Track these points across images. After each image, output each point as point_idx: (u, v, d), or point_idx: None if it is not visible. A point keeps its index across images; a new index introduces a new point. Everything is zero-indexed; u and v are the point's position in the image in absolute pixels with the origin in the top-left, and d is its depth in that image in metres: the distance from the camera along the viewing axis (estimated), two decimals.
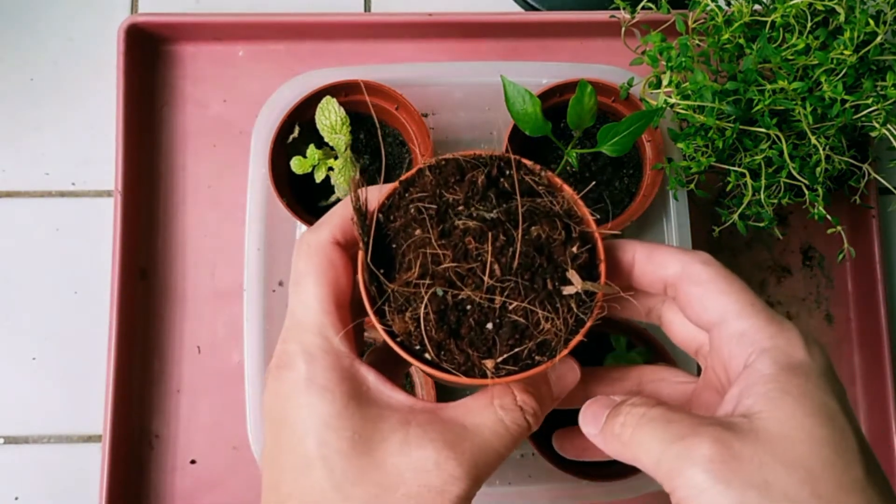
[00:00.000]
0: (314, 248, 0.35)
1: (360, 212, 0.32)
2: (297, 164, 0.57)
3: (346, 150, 0.57)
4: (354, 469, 0.31)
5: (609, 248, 0.35)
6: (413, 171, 0.34)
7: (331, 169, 0.58)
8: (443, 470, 0.31)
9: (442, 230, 0.31)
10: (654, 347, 0.59)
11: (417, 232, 0.32)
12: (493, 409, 0.33)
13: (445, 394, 0.60)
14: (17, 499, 0.63)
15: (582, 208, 0.33)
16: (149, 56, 0.67)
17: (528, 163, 0.34)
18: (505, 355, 0.30)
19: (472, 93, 0.64)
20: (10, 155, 0.67)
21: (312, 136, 0.58)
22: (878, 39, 0.51)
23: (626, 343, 0.59)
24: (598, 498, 0.58)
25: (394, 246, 0.33)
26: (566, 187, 0.34)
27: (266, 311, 0.60)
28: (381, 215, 0.33)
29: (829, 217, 0.55)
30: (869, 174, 0.57)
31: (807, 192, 0.55)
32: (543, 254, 0.31)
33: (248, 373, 0.58)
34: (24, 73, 0.68)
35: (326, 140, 0.57)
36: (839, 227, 0.55)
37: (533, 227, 0.32)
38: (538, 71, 0.63)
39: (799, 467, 0.28)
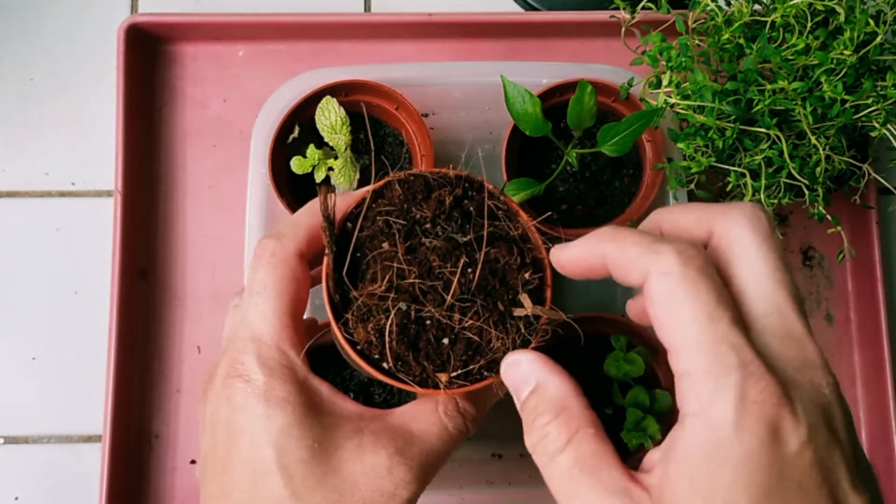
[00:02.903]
0: (279, 259, 0.35)
1: (329, 220, 0.33)
2: (297, 164, 0.57)
3: (346, 150, 0.57)
4: (314, 476, 0.32)
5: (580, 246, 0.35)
6: (382, 182, 0.35)
7: (331, 169, 0.58)
8: (394, 475, 0.33)
9: (409, 245, 0.33)
10: (653, 347, 0.59)
11: (385, 245, 0.33)
12: (437, 416, 0.35)
13: None
14: (17, 499, 0.63)
15: (535, 235, 0.35)
16: (149, 56, 0.67)
17: (490, 186, 0.36)
18: (459, 371, 0.32)
19: (472, 93, 0.64)
20: (10, 155, 0.67)
21: (312, 136, 0.58)
22: (878, 39, 0.51)
23: (626, 343, 0.59)
24: None
25: (358, 255, 0.33)
26: (522, 213, 0.36)
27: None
28: (348, 224, 0.34)
29: (829, 217, 0.55)
30: (869, 174, 0.57)
31: (807, 192, 0.55)
32: (498, 276, 0.33)
33: None
34: (24, 73, 0.68)
35: (326, 140, 0.57)
36: (839, 227, 0.55)
37: (493, 251, 0.34)
38: (538, 71, 0.63)
39: None
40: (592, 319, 0.60)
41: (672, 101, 0.54)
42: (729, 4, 0.55)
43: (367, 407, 0.35)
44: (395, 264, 0.32)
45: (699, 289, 0.27)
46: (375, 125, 0.62)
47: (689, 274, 0.28)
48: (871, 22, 0.50)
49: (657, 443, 0.57)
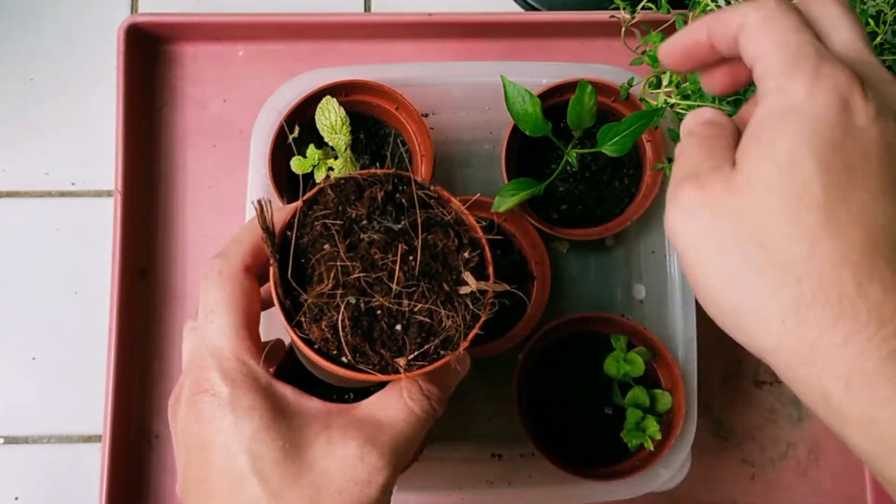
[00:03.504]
0: (226, 276, 0.37)
1: (269, 231, 0.34)
2: (297, 164, 0.57)
3: (346, 150, 0.57)
4: (289, 475, 0.33)
5: (685, 33, 0.35)
6: (314, 190, 0.36)
7: (331, 169, 0.58)
8: (367, 462, 0.34)
9: (349, 243, 0.34)
10: (653, 347, 0.59)
11: (326, 246, 0.34)
12: (403, 401, 0.37)
13: None
14: (17, 499, 0.63)
15: (469, 217, 0.37)
16: (149, 56, 0.67)
17: (419, 178, 0.37)
18: (415, 353, 0.33)
19: (472, 93, 0.64)
20: (10, 155, 0.67)
21: (312, 136, 0.58)
22: (878, 39, 0.51)
23: (626, 343, 0.59)
24: (598, 498, 0.59)
25: (302, 261, 0.35)
26: (453, 199, 0.37)
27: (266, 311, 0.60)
28: (288, 233, 0.35)
29: None
30: None
31: None
32: (439, 260, 0.35)
33: None
34: (24, 73, 0.68)
35: (326, 140, 0.57)
36: None
37: (429, 237, 0.35)
38: (538, 71, 0.63)
39: (747, 219, 0.28)
40: (592, 319, 0.60)
41: (672, 101, 0.54)
42: (729, 4, 0.55)
43: (333, 404, 0.37)
44: (338, 263, 0.34)
45: (788, 15, 0.30)
46: (375, 125, 0.62)
47: (782, 7, 0.30)
48: (871, 22, 0.50)
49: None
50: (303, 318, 0.34)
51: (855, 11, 0.32)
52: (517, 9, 0.70)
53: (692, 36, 0.33)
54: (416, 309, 0.33)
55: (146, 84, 0.67)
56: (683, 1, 0.57)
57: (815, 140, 0.27)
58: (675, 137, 0.57)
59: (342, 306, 0.33)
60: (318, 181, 0.58)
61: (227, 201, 0.66)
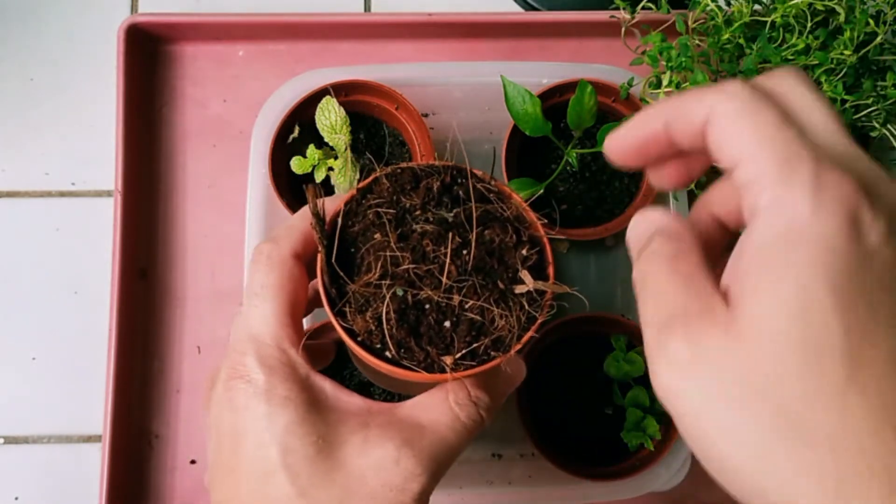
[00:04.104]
0: (275, 260, 0.35)
1: (319, 216, 0.33)
2: (297, 164, 0.57)
3: (346, 150, 0.57)
4: (320, 473, 0.32)
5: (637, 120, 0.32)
6: (370, 178, 0.35)
7: (331, 169, 0.58)
8: (402, 467, 0.32)
9: (400, 233, 0.33)
10: None
11: (377, 236, 0.33)
12: (448, 405, 0.34)
13: None
14: (17, 499, 0.63)
15: (530, 214, 0.35)
16: (149, 56, 0.67)
17: (479, 172, 0.36)
18: (463, 351, 0.31)
19: (472, 93, 0.64)
20: (10, 155, 0.67)
21: (312, 136, 0.58)
22: (878, 39, 0.51)
23: (626, 343, 0.59)
24: (598, 498, 0.59)
25: (352, 250, 0.34)
26: (515, 195, 0.35)
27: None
28: (339, 220, 0.34)
29: None
30: None
31: None
32: (495, 256, 0.33)
33: None
34: (24, 73, 0.68)
35: (326, 140, 0.57)
36: None
37: (486, 231, 0.33)
38: (538, 71, 0.63)
39: (758, 378, 0.23)
40: (592, 319, 0.60)
41: None
42: (729, 4, 0.55)
43: (374, 401, 0.35)
44: (387, 252, 0.32)
45: (766, 106, 0.26)
46: (375, 125, 0.62)
47: (756, 95, 0.26)
48: (871, 22, 0.50)
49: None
50: (347, 308, 0.32)
51: (825, 95, 0.28)
52: (517, 9, 0.70)
53: (647, 128, 0.29)
54: (466, 305, 0.32)
55: (146, 84, 0.67)
56: (683, 1, 0.57)
57: (829, 273, 0.23)
58: None
59: (388, 297, 0.31)
60: (318, 181, 0.58)
61: (227, 201, 0.66)
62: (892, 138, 0.53)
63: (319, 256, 0.33)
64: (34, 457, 0.63)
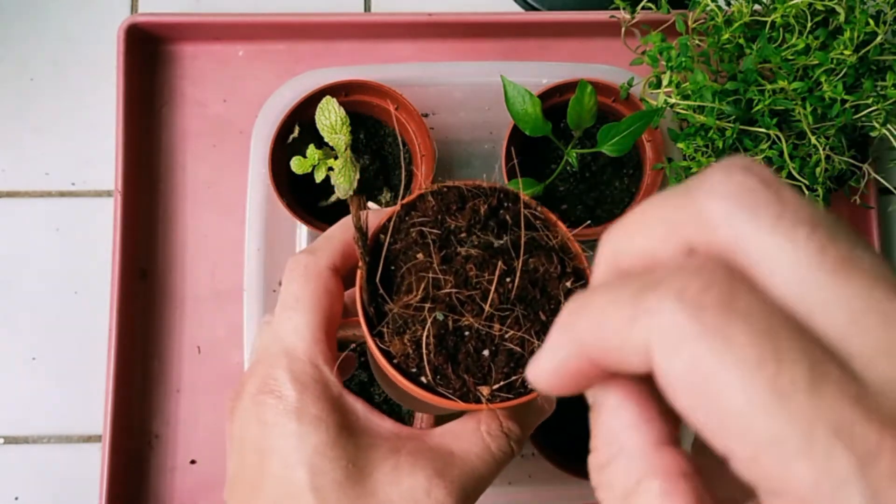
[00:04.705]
0: (312, 272, 0.34)
1: (362, 231, 0.32)
2: (297, 164, 0.57)
3: (346, 150, 0.57)
4: (348, 499, 0.31)
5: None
6: (415, 195, 0.34)
7: (331, 169, 0.58)
8: (433, 498, 0.31)
9: (444, 255, 0.32)
10: None
11: (419, 255, 0.32)
12: (480, 435, 0.33)
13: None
14: (17, 499, 0.63)
15: (575, 245, 0.34)
16: (149, 56, 0.67)
17: (526, 197, 0.35)
18: (501, 383, 0.31)
19: (472, 93, 0.64)
20: (10, 155, 0.67)
21: (312, 136, 0.58)
22: (878, 39, 0.51)
23: None
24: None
25: (392, 268, 0.33)
26: (560, 224, 0.35)
27: (266, 311, 0.60)
28: (381, 236, 0.33)
29: None
30: (869, 174, 0.57)
31: (807, 192, 0.55)
32: (538, 286, 0.32)
33: None
34: (24, 73, 0.68)
35: (326, 140, 0.57)
36: None
37: (531, 259, 0.32)
38: (538, 71, 0.63)
39: None
40: None
41: (672, 101, 0.54)
42: (729, 4, 0.55)
43: (405, 426, 0.34)
44: (430, 274, 0.31)
45: (737, 348, 0.16)
46: (375, 125, 0.62)
47: (709, 325, 0.16)
48: (871, 22, 0.50)
49: None
50: (385, 329, 0.31)
51: (785, 197, 0.17)
52: (517, 9, 0.70)
53: (570, 367, 0.19)
54: (506, 335, 0.31)
55: (146, 84, 0.67)
56: (683, 1, 0.57)
57: None
58: (675, 137, 0.57)
59: (429, 321, 0.30)
60: (318, 181, 0.58)
61: (227, 201, 0.66)
62: (892, 138, 0.53)
63: (360, 273, 0.32)
64: (34, 457, 0.63)
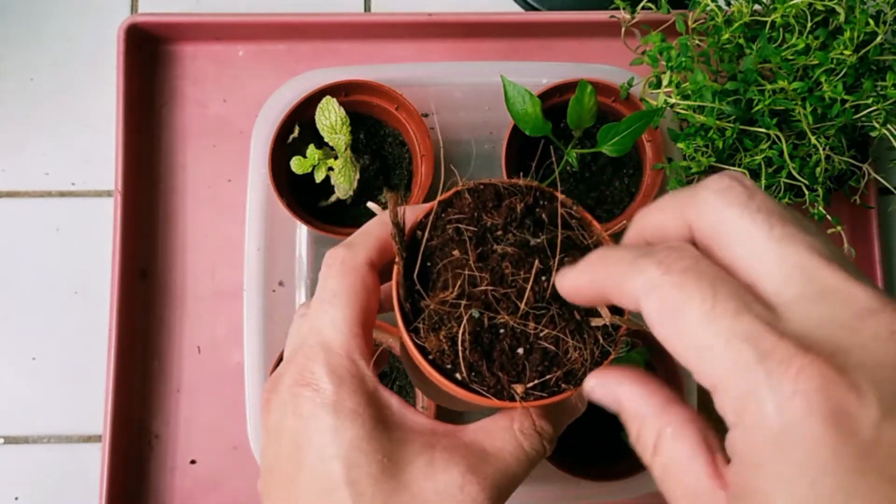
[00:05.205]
0: (349, 267, 0.34)
1: (399, 226, 0.32)
2: (297, 164, 0.57)
3: (346, 150, 0.57)
4: (383, 493, 0.31)
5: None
6: (451, 192, 0.34)
7: (331, 169, 0.58)
8: (466, 494, 0.31)
9: (480, 252, 0.32)
10: (655, 348, 0.59)
11: (455, 252, 0.32)
12: (513, 434, 0.34)
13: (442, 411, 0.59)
14: (16, 499, 0.63)
15: (611, 245, 0.34)
16: (148, 56, 0.67)
17: (562, 196, 0.35)
18: (535, 381, 0.31)
19: (472, 93, 0.64)
20: (10, 155, 0.67)
21: (312, 136, 0.58)
22: (878, 39, 0.51)
23: (625, 342, 0.59)
24: (598, 498, 0.59)
25: (428, 264, 0.33)
26: (595, 223, 0.35)
27: (266, 311, 0.60)
28: (418, 233, 0.33)
29: (829, 217, 0.55)
30: (869, 174, 0.57)
31: (807, 192, 0.55)
32: None
33: (248, 373, 0.58)
34: (24, 73, 0.68)
35: (326, 140, 0.57)
36: (839, 227, 0.55)
37: (566, 258, 0.32)
38: (538, 71, 0.63)
39: None
40: None
41: (672, 101, 0.54)
42: (729, 4, 0.55)
43: (439, 422, 0.34)
44: (466, 271, 0.31)
45: (689, 293, 0.23)
46: (375, 125, 0.62)
47: (674, 280, 0.24)
48: (871, 22, 0.50)
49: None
50: (421, 325, 0.31)
51: (759, 197, 0.25)
52: (517, 9, 0.70)
53: (590, 291, 0.28)
54: (541, 334, 0.31)
55: (146, 84, 0.67)
56: (683, 1, 0.57)
57: (826, 491, 0.20)
58: (675, 137, 0.57)
59: (465, 318, 0.31)
60: (318, 181, 0.58)
61: (227, 201, 0.66)
62: (892, 138, 0.53)
63: (396, 269, 0.32)
64: (34, 457, 0.63)
